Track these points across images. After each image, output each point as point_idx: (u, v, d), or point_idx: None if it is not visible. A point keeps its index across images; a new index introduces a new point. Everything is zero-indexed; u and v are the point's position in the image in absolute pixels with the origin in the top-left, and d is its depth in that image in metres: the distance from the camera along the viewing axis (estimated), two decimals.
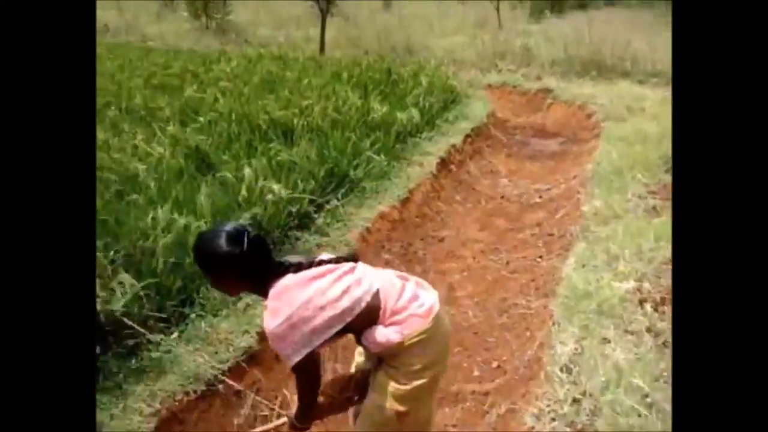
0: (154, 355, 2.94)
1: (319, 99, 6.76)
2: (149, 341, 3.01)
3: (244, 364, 2.99)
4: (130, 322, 2.88)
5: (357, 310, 1.93)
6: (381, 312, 1.98)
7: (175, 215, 3.70)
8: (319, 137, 5.56)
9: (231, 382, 2.84)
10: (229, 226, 1.93)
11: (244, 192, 4.09)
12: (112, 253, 3.27)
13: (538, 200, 5.85)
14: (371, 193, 5.11)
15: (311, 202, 4.49)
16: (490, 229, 5.20)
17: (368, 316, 1.96)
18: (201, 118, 5.97)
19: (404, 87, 8.19)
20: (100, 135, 5.30)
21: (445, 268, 4.45)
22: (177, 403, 2.68)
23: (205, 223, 3.70)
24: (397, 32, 15.84)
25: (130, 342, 2.95)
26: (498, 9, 17.80)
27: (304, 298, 1.88)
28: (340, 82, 8.10)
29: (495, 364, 3.35)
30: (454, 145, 6.81)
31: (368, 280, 2.00)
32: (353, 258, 2.07)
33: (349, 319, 1.92)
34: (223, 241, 1.87)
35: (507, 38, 14.46)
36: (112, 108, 6.45)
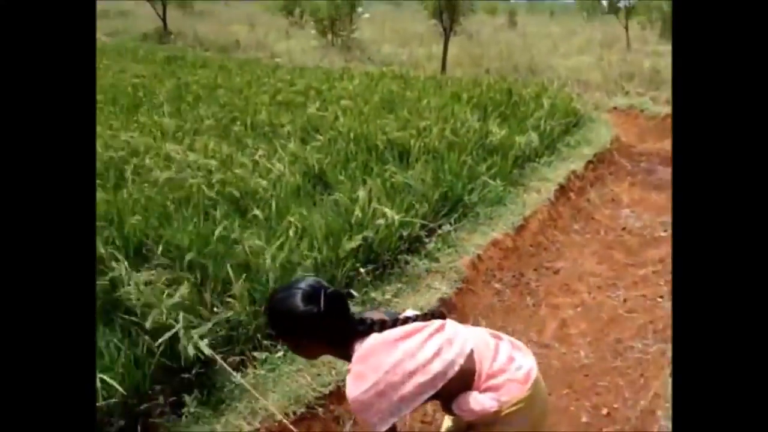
0: (259, 372, 3.01)
1: (437, 120, 6.74)
2: (255, 358, 3.08)
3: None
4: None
5: (450, 374, 1.75)
6: (476, 376, 1.80)
7: (290, 234, 3.80)
8: (435, 160, 5.53)
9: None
10: (303, 283, 1.78)
11: (357, 213, 4.12)
12: (228, 266, 3.38)
13: (662, 234, 5.52)
14: (485, 219, 5.02)
15: (423, 226, 4.46)
16: (608, 262, 4.96)
17: (461, 381, 1.78)
18: (321, 137, 6.11)
19: (525, 109, 8.01)
20: (225, 150, 5.54)
21: (558, 302, 4.28)
22: (276, 424, 2.71)
23: (317, 244, 3.76)
24: (521, 51, 15.65)
25: (237, 358, 3.03)
26: (627, 28, 17.21)
27: (392, 362, 1.71)
28: (459, 102, 8.06)
29: (605, 411, 3.16)
30: (574, 172, 6.58)
31: (461, 339, 1.82)
32: (440, 315, 1.90)
33: (441, 385, 1.75)
34: (298, 300, 1.72)
35: (635, 59, 13.93)
36: (238, 123, 6.73)
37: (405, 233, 4.25)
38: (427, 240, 4.46)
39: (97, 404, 2.56)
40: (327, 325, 1.75)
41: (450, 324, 1.87)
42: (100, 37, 21.18)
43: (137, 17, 26.18)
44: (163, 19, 21.99)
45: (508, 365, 1.83)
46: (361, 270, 3.78)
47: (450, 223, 4.73)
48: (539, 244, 5.14)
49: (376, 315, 1.86)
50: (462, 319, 3.83)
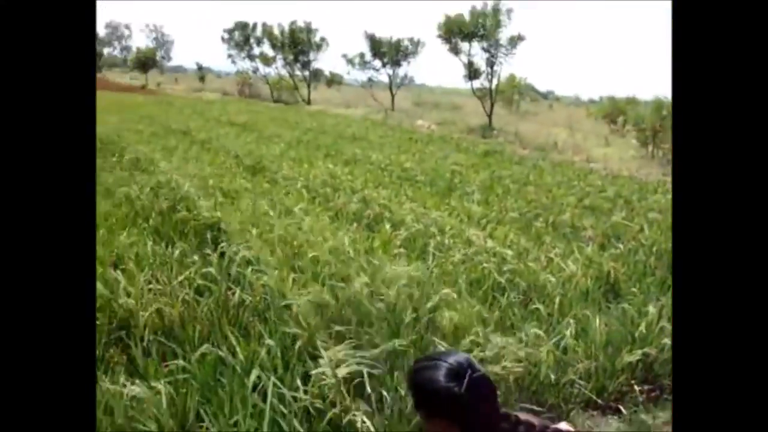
0: None
1: None
2: None
3: None
4: None
5: None
6: None
7: (568, 332, 3.81)
8: None
9: None
10: (451, 358, 1.59)
11: (642, 329, 3.97)
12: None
13: None
14: None
15: None
16: None
17: None
18: (621, 246, 6.02)
19: None
20: (522, 242, 5.76)
21: None
22: None
23: (594, 349, 3.72)
24: None
25: None
26: None
27: None
28: None
29: None
30: None
31: None
32: None
33: None
34: (441, 375, 1.55)
35: None
36: (540, 220, 6.94)
37: None
38: None
39: None
40: (465, 410, 1.54)
41: None
42: (430, 126, 23.40)
43: (466, 112, 28.41)
44: (489, 116, 23.52)
45: None
46: (636, 387, 3.62)
47: None
48: None
49: (523, 416, 1.67)
50: None
